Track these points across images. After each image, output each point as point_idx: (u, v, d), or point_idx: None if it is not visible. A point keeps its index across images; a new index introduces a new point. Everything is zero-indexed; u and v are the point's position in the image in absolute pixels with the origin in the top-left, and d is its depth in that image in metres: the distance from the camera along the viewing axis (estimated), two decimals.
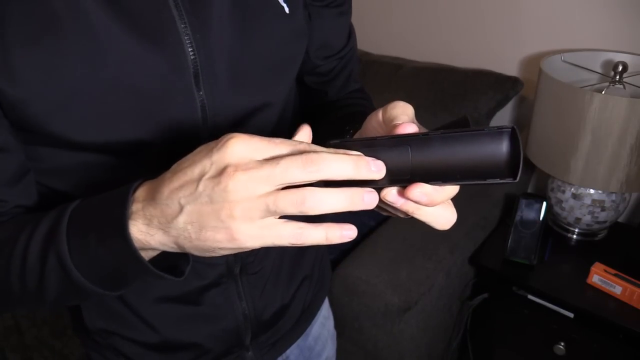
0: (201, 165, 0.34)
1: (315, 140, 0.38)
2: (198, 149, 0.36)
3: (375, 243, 1.28)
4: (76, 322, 0.67)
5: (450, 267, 1.28)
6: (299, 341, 0.78)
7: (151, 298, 0.62)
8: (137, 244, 0.38)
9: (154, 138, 0.50)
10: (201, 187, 0.34)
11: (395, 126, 0.36)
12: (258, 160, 0.33)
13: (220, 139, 0.34)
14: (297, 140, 0.35)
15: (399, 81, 1.58)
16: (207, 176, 0.34)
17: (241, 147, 0.33)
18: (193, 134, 0.52)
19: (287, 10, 0.55)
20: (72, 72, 0.44)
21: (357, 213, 0.40)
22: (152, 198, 0.37)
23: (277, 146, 0.34)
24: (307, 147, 0.34)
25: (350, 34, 0.70)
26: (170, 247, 0.38)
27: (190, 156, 0.36)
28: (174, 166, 0.37)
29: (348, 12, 0.67)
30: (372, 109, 0.55)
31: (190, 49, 0.48)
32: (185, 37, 0.48)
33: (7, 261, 0.45)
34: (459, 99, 1.46)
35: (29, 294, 0.46)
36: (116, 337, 0.64)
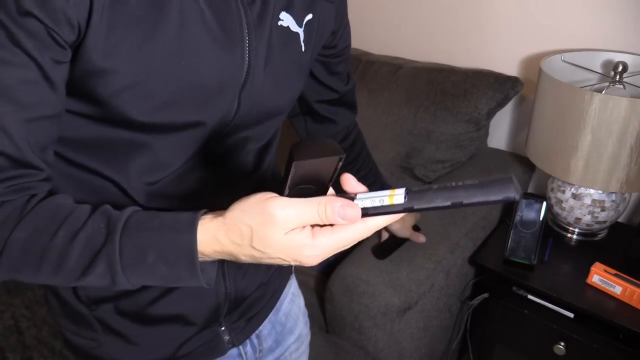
0: (282, 261, 0.46)
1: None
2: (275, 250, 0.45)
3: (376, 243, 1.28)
4: (57, 300, 0.68)
5: (450, 267, 1.28)
6: (270, 316, 0.82)
7: None
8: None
9: (192, 124, 0.56)
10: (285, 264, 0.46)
11: None
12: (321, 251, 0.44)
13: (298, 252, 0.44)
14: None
15: (399, 81, 1.58)
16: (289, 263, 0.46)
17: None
18: (222, 125, 0.60)
19: (303, 49, 0.65)
20: (154, 57, 0.49)
21: None
22: (233, 259, 0.48)
23: (345, 247, 0.45)
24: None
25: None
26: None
27: (267, 259, 0.46)
28: (252, 257, 0.47)
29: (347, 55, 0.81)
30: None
31: (247, 58, 0.57)
32: (246, 49, 0.57)
33: (43, 252, 0.48)
34: (459, 99, 1.46)
35: (56, 281, 0.50)
36: (107, 307, 0.66)
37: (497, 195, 0.38)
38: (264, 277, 0.77)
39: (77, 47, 0.47)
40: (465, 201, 0.39)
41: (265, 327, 0.81)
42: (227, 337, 0.74)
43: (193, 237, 0.46)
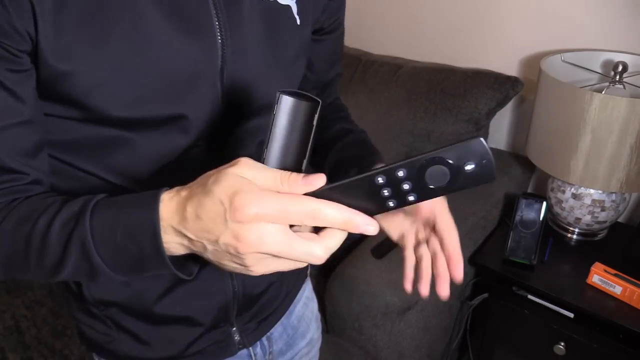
0: (220, 227, 0.40)
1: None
2: (216, 192, 0.40)
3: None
4: (71, 295, 0.69)
5: None
6: (282, 319, 0.81)
7: None
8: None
9: (173, 117, 0.55)
10: (221, 244, 0.41)
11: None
12: (267, 242, 0.40)
13: (234, 194, 0.39)
14: (304, 201, 0.40)
15: (399, 81, 1.58)
16: (224, 240, 0.40)
17: (255, 213, 0.39)
18: (212, 114, 0.58)
19: (298, 22, 0.62)
20: (115, 54, 0.49)
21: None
22: (180, 225, 0.43)
23: (288, 216, 0.40)
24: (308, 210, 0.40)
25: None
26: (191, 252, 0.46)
27: (209, 203, 0.40)
28: (198, 200, 0.41)
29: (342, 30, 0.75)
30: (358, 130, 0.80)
31: (220, 43, 0.55)
32: (217, 32, 0.54)
33: (27, 239, 0.48)
34: (459, 99, 1.46)
35: (44, 271, 0.50)
36: (115, 309, 0.67)
37: (459, 142, 0.37)
38: (273, 276, 0.75)
39: (35, 54, 0.48)
40: (423, 154, 0.38)
41: (276, 330, 0.80)
42: (238, 338, 0.74)
43: (156, 204, 0.44)
